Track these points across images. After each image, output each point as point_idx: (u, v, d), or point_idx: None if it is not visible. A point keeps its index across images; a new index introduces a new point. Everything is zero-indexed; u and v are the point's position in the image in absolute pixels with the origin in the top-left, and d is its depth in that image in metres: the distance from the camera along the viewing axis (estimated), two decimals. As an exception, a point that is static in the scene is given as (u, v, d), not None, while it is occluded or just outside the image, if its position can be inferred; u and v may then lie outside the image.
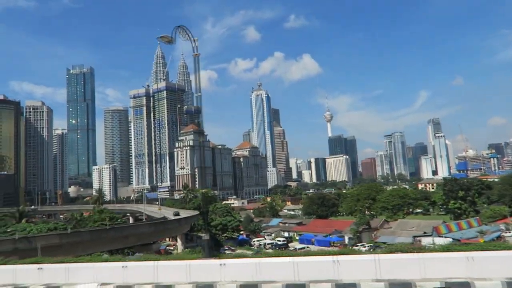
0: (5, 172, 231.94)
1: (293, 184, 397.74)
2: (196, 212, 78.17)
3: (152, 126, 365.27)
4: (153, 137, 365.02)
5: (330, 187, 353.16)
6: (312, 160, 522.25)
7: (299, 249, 68.79)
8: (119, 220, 74.81)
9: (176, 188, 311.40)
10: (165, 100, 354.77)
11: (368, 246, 68.72)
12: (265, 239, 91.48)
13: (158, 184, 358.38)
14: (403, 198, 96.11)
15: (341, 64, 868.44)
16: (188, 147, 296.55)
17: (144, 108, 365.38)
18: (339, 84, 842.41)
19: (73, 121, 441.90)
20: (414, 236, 66.96)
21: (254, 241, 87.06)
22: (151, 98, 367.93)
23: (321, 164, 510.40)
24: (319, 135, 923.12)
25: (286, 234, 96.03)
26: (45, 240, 41.16)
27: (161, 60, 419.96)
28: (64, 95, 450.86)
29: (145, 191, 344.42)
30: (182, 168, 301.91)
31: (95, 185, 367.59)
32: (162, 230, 56.79)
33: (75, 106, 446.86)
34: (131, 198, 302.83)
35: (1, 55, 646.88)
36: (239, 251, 73.81)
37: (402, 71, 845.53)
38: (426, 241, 63.24)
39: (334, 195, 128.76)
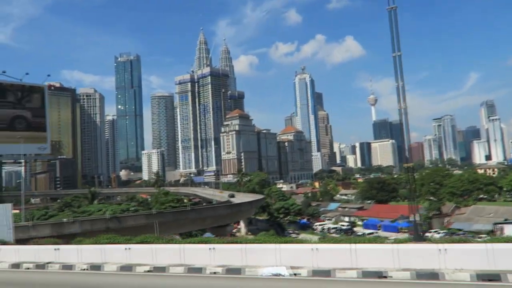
0: (65, 157, 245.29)
1: (338, 169, 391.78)
2: (261, 196, 78.04)
3: (197, 111, 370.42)
4: (198, 122, 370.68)
5: (376, 172, 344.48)
6: (357, 144, 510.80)
7: (367, 234, 67.00)
8: (186, 202, 76.24)
9: (222, 172, 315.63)
10: (209, 85, 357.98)
11: (442, 233, 65.62)
12: (325, 223, 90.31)
13: (204, 168, 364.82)
14: (473, 183, 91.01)
15: (385, 46, 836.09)
16: (234, 132, 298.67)
17: (189, 94, 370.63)
18: (382, 67, 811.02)
19: (121, 107, 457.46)
20: (495, 223, 63.03)
21: (316, 225, 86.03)
22: (196, 83, 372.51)
23: (366, 149, 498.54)
24: (361, 119, 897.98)
25: (346, 219, 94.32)
26: (133, 220, 42.19)
27: (204, 46, 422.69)
28: (111, 82, 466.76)
29: (192, 175, 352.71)
30: (228, 152, 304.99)
31: (145, 169, 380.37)
32: (236, 212, 57.05)
33: (123, 92, 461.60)
34: (180, 181, 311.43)
35: (53, 45, 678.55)
36: (303, 235, 73.09)
37: (450, 52, 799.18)
38: (510, 228, 59.41)
39: (393, 180, 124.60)
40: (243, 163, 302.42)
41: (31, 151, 54.29)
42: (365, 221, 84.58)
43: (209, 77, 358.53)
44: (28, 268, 22.58)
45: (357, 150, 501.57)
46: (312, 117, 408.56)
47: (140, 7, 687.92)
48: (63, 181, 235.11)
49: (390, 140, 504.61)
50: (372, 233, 69.94)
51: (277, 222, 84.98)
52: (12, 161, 55.53)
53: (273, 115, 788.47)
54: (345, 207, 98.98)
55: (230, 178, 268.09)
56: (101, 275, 19.93)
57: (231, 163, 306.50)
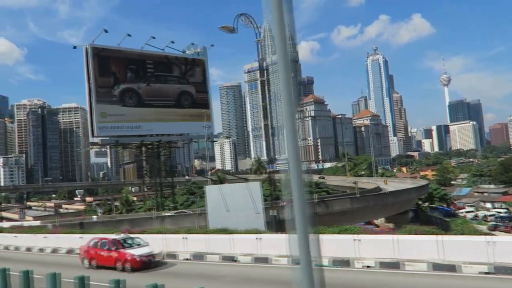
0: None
1: (414, 154, 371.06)
2: (425, 182, 70.54)
3: (267, 99, 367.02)
4: (268, 110, 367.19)
5: (457, 157, 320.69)
6: (433, 127, 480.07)
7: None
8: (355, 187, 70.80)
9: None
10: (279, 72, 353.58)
11: None
12: (468, 210, 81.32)
13: (276, 156, 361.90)
14: None
15: (455, 22, 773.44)
16: (309, 118, 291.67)
17: (259, 82, 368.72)
18: (450, 45, 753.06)
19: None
20: None
21: (462, 212, 77.44)
22: (265, 71, 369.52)
23: (443, 132, 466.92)
24: (428, 101, 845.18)
25: (488, 205, 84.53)
26: (340, 204, 37.74)
27: (269, 34, 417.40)
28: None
29: (264, 164, 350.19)
30: (304, 139, 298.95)
31: (217, 158, 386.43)
32: (413, 199, 51.31)
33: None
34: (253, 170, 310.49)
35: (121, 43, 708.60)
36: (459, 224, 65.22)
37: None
38: None
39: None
40: (319, 150, 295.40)
41: (197, 130, 51.59)
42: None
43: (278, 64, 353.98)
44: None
45: (434, 133, 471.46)
46: (386, 100, 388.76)
47: (195, 1, 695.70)
48: (149, 169, 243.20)
49: (471, 122, 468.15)
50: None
51: (415, 210, 77.63)
52: (181, 140, 53.40)
53: (338, 101, 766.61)
54: (482, 192, 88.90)
55: (343, 163, 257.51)
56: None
57: (307, 150, 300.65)
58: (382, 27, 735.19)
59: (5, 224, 41.60)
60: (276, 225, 26.98)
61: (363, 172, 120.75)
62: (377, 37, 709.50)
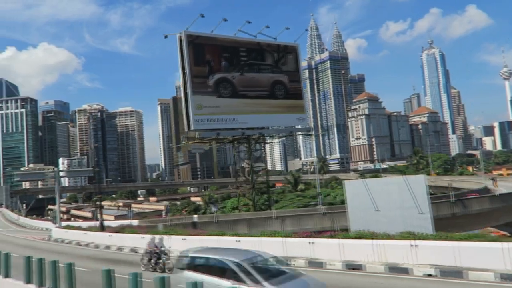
0: (204, 148, 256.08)
1: (475, 152, 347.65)
2: None
3: (317, 98, 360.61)
4: (317, 109, 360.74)
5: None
6: (495, 124, 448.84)
7: None
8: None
9: (352, 160, 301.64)
10: (329, 70, 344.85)
11: None
12: None
13: (327, 156, 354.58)
14: None
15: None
16: (363, 116, 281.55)
17: (308, 81, 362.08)
18: (508, 36, 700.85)
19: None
20: None
21: None
22: (314, 70, 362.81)
23: (508, 129, 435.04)
24: (487, 97, 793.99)
25: None
26: (478, 204, 32.50)
27: (315, 32, 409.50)
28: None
29: (314, 164, 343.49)
30: (358, 138, 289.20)
31: (267, 159, 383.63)
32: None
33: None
34: (300, 171, 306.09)
35: (168, 51, 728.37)
36: None
37: None
38: None
39: None
40: (374, 149, 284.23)
41: (291, 122, 47.99)
42: None
43: (328, 61, 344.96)
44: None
45: (496, 130, 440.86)
46: (444, 96, 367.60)
47: (238, 3, 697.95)
48: (205, 171, 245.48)
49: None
50: None
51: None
52: (277, 134, 50.21)
53: (388, 98, 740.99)
54: None
55: (414, 160, 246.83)
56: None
57: (361, 149, 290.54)
58: (433, 20, 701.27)
59: (113, 224, 40.39)
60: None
61: (438, 171, 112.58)
62: (429, 32, 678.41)
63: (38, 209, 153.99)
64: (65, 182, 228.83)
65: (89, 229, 34.58)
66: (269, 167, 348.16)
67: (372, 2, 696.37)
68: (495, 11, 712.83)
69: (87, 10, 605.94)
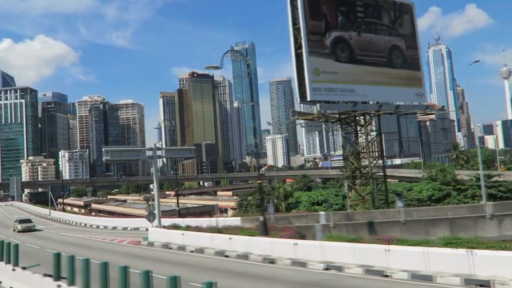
0: (209, 142, 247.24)
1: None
2: None
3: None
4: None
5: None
6: (498, 123, 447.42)
7: None
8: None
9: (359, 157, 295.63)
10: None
11: None
12: None
13: (331, 153, 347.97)
14: None
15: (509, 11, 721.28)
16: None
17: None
18: (507, 36, 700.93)
19: (239, 95, 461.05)
20: None
21: None
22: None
23: (510, 127, 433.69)
24: (486, 95, 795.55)
25: None
26: None
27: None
28: (226, 73, 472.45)
29: (317, 160, 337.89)
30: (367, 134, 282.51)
31: (269, 154, 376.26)
32: None
33: (240, 81, 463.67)
34: (304, 167, 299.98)
35: (165, 44, 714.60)
36: None
37: None
38: None
39: None
40: (383, 145, 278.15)
41: (407, 98, 38.88)
42: None
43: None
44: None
45: (498, 129, 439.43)
46: (450, 93, 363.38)
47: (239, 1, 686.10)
48: (210, 165, 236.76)
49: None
50: None
51: None
52: (396, 111, 41.27)
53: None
54: None
55: (453, 155, 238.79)
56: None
57: (369, 146, 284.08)
58: (434, 19, 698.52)
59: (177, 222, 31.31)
60: None
61: (509, 166, 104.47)
62: (428, 30, 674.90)
63: (41, 202, 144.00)
64: (66, 175, 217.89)
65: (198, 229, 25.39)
66: (272, 163, 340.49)
67: None
68: (495, 11, 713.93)
69: (83, 3, 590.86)
